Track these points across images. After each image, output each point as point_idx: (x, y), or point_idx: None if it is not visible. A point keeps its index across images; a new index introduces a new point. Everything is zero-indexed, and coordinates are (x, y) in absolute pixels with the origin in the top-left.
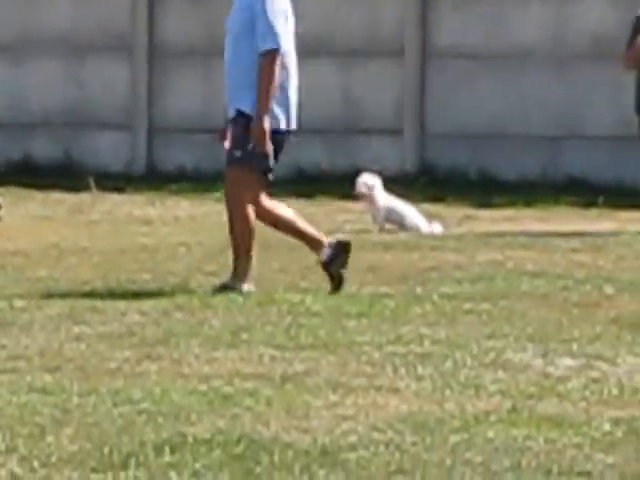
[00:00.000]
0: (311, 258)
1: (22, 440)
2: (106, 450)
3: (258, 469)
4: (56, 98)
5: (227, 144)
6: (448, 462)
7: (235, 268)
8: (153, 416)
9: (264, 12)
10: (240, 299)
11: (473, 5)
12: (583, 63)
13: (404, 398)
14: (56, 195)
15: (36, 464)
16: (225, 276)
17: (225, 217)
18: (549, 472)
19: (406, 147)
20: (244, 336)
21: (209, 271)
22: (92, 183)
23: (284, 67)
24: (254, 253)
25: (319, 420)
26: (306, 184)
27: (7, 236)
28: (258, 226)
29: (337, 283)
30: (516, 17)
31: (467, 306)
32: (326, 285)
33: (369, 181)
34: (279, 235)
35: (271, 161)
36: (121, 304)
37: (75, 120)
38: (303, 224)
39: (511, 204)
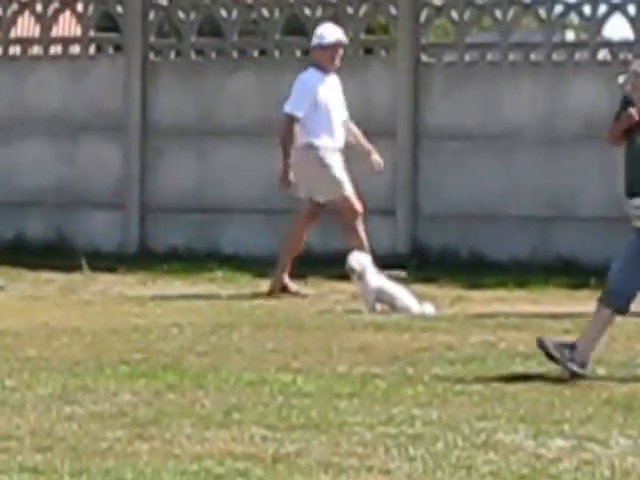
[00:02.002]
0: (304, 339)
1: None
2: None
3: None
4: (48, 177)
5: None
6: None
7: None
8: None
9: None
10: (232, 379)
11: (464, 86)
12: (575, 144)
13: (396, 479)
14: (47, 275)
15: None
16: (215, 356)
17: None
18: None
19: (398, 228)
20: (236, 416)
21: (201, 351)
22: (84, 263)
23: None
24: None
25: None
26: (299, 264)
27: None
28: (250, 306)
29: None
30: (508, 98)
31: (459, 387)
32: (319, 366)
33: (358, 258)
34: (273, 317)
35: None
36: (113, 384)
37: (67, 199)
38: None
39: (502, 285)
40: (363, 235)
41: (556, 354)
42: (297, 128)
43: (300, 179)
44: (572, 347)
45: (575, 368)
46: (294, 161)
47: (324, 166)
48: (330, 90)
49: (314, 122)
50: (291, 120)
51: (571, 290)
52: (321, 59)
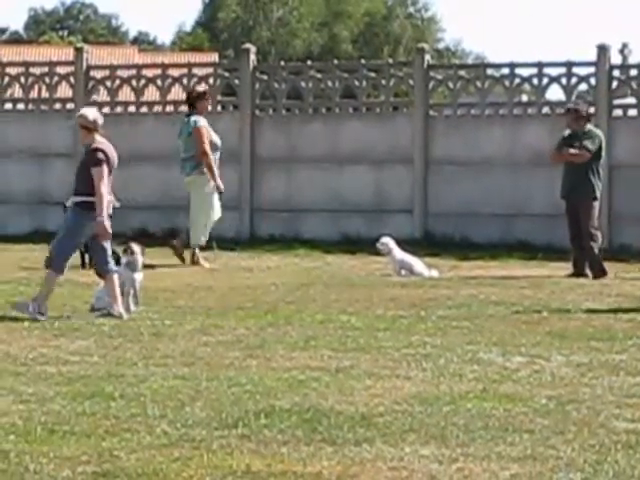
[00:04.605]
0: (355, 292)
1: (170, 410)
2: (223, 415)
3: (320, 428)
4: None
5: None
6: (442, 424)
7: None
8: (253, 394)
9: None
10: (309, 319)
11: (457, 130)
12: (528, 167)
13: (414, 383)
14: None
15: (179, 425)
16: (298, 304)
17: (301, 266)
18: (506, 430)
19: (415, 222)
20: (312, 343)
21: (289, 301)
22: (214, 245)
23: None
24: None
25: (359, 397)
26: (351, 245)
27: (158, 279)
28: (320, 272)
29: None
30: (485, 138)
31: (454, 323)
32: (365, 310)
33: (385, 240)
34: (335, 278)
35: None
36: (233, 322)
37: None
38: None
39: (481, 258)
40: None
41: None
42: None
43: None
44: None
45: None
46: None
47: None
48: None
49: None
50: None
51: (525, 261)
52: None
